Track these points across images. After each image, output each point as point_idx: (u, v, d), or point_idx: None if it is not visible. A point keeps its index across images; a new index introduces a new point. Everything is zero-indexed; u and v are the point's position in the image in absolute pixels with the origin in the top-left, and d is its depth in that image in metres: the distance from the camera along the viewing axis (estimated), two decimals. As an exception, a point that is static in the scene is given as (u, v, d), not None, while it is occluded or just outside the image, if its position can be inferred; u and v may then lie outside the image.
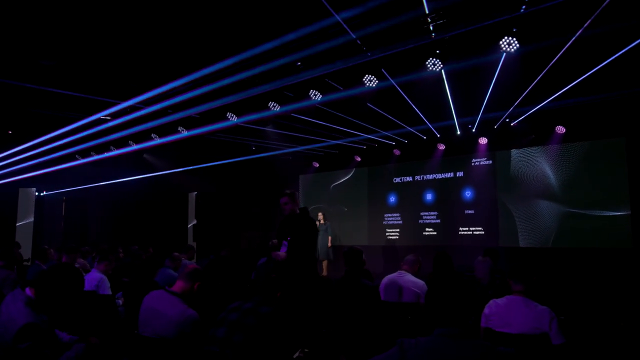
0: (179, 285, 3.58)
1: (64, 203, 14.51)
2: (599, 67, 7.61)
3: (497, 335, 3.75)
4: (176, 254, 6.89)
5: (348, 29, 6.35)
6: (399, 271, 5.41)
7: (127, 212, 15.41)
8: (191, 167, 13.62)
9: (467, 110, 9.82)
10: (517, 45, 5.90)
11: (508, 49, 5.97)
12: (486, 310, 3.85)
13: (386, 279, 5.42)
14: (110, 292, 5.99)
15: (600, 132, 10.26)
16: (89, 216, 15.04)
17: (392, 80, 6.97)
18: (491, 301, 3.86)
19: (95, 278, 6.00)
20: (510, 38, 5.87)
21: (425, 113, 9.68)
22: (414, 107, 8.67)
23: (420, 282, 5.26)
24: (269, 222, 16.34)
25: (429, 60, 6.44)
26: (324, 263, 11.84)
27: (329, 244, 12.01)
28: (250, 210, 16.53)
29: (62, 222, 14.50)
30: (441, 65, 6.48)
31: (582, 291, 9.09)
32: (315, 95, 7.61)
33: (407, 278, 5.28)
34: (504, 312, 3.73)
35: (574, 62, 7.42)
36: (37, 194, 14.02)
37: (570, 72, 8.07)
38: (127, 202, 15.40)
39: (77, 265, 7.99)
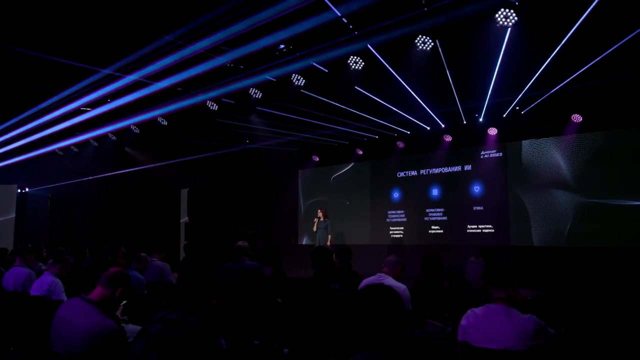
0: (97, 292, 3.20)
1: (49, 200, 14.28)
2: (618, 45, 7.07)
3: (476, 351, 3.32)
4: (143, 254, 6.55)
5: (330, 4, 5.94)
6: (378, 274, 5.01)
7: (117, 210, 15.18)
8: (179, 160, 13.29)
9: (471, 95, 9.32)
10: (515, 18, 5.43)
11: (505, 23, 5.50)
12: (463, 321, 3.42)
13: (363, 282, 5.02)
14: (64, 298, 5.64)
15: (621, 121, 9.69)
16: (76, 214, 14.80)
17: (382, 60, 6.53)
18: (469, 311, 3.44)
19: (46, 282, 5.65)
20: (507, 10, 5.40)
21: (424, 98, 9.19)
22: (409, 89, 8.19)
23: (402, 286, 4.83)
24: (268, 219, 16.04)
25: (418, 38, 6.00)
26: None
27: (329, 243, 11.56)
28: (248, 207, 16.23)
29: (47, 220, 14.26)
30: (431, 43, 6.03)
31: (602, 295, 8.60)
32: (299, 80, 7.22)
33: (387, 282, 4.85)
34: (483, 324, 3.30)
35: (589, 39, 6.90)
36: (19, 190, 13.80)
37: (586, 52, 7.52)
38: (117, 199, 15.17)
39: (43, 267, 7.71)
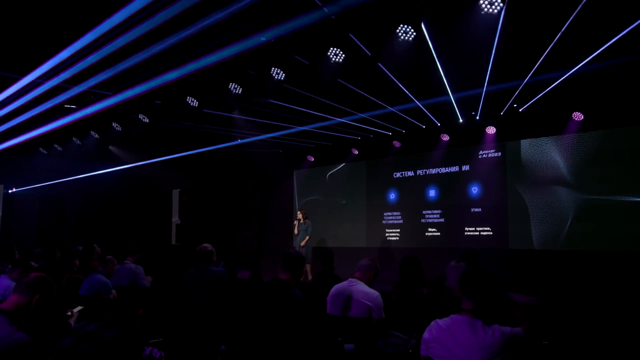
0: (11, 300, 2.89)
1: (37, 200, 14.04)
2: (621, 35, 6.70)
3: (439, 367, 2.99)
4: (109, 256, 6.26)
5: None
6: (349, 279, 4.69)
7: (108, 210, 14.96)
8: (168, 158, 13.00)
9: (465, 90, 8.95)
10: (501, 4, 5.08)
11: (490, 10, 5.15)
12: (426, 334, 3.09)
13: (334, 288, 4.71)
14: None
15: (626, 118, 9.29)
16: (66, 214, 14.56)
17: (364, 48, 6.18)
18: (433, 322, 3.10)
19: (2, 286, 5.40)
20: (492, -5, 5.05)
21: (415, 93, 8.82)
22: (397, 83, 7.82)
23: (374, 293, 4.52)
24: (264, 220, 15.76)
25: (399, 28, 5.66)
26: (307, 267, 11.08)
27: (302, 244, 11.25)
28: (243, 208, 15.98)
29: (36, 221, 14.01)
30: (413, 33, 5.70)
31: (603, 300, 8.26)
32: (278, 73, 6.90)
33: (358, 288, 4.54)
34: (446, 338, 2.97)
35: (590, 28, 6.53)
36: (5, 190, 13.57)
37: (588, 42, 7.12)
38: (107, 200, 14.95)
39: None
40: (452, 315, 3.04)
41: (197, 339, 4.88)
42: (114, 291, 6.50)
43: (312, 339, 3.65)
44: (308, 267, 11.01)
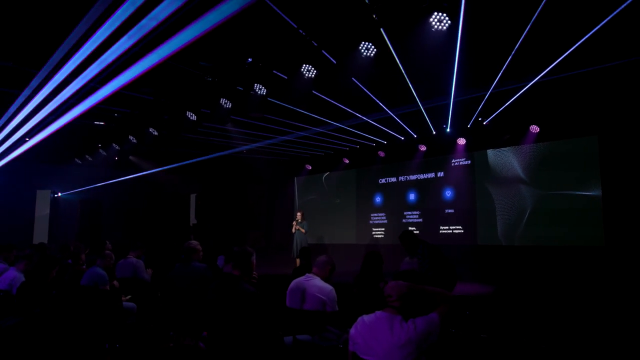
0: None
1: (79, 203, 13.78)
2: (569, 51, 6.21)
3: (363, 363, 2.53)
4: (108, 252, 5.86)
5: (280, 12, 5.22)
6: (306, 274, 4.23)
7: (137, 212, 14.65)
8: (182, 165, 12.60)
9: (433, 103, 8.45)
10: (449, 22, 4.62)
11: (439, 27, 4.70)
12: (352, 330, 2.64)
13: (292, 283, 4.25)
14: (22, 292, 4.98)
15: (572, 131, 8.96)
16: (102, 216, 14.26)
17: (332, 60, 5.74)
18: (359, 319, 2.65)
19: (9, 277, 5.03)
20: (440, 14, 4.59)
21: (388, 104, 8.32)
22: (373, 97, 7.36)
23: (328, 287, 4.06)
24: (271, 220, 15.41)
25: (361, 45, 5.22)
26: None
27: (293, 230, 10.80)
28: (253, 210, 15.64)
29: (78, 222, 13.74)
30: (374, 50, 5.26)
31: (561, 291, 7.74)
32: (261, 89, 6.49)
33: (313, 282, 4.08)
34: (368, 334, 2.51)
35: (544, 41, 6.03)
36: (52, 195, 13.34)
37: (540, 55, 6.61)
38: (136, 203, 14.65)
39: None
40: (376, 312, 2.59)
41: (181, 326, 4.52)
42: (115, 282, 6.13)
43: (257, 330, 3.22)
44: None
